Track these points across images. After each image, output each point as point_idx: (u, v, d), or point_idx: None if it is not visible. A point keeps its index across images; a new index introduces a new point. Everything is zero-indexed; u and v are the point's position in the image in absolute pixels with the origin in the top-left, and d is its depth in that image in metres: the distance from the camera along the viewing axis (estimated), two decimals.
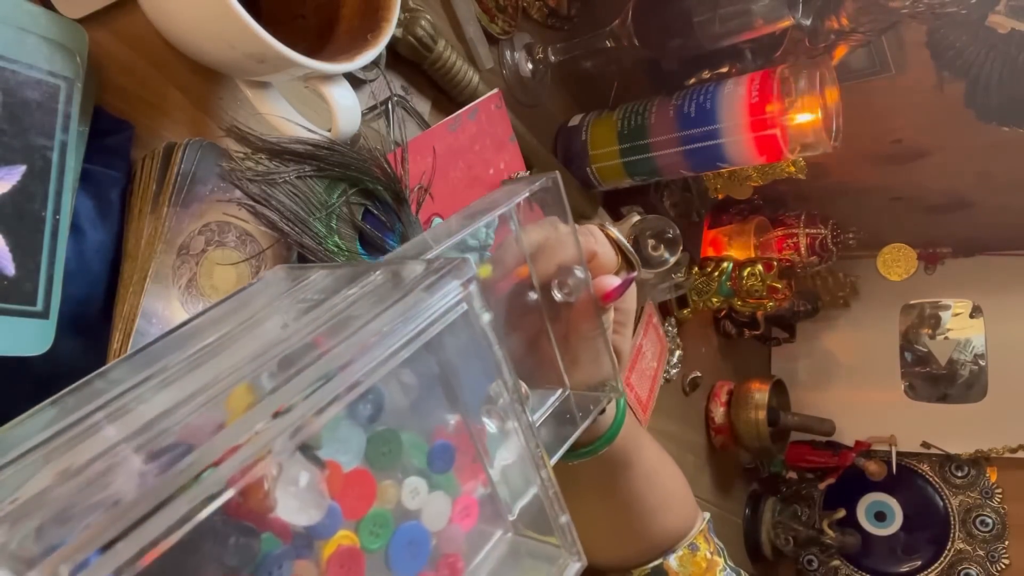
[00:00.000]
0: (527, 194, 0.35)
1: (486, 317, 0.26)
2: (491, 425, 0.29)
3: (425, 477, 0.26)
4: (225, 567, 0.20)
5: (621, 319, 0.43)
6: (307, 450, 0.22)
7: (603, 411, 0.44)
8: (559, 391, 0.39)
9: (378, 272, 0.26)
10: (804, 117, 0.64)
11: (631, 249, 0.48)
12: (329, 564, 0.23)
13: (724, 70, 0.74)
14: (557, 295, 0.37)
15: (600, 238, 0.40)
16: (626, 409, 0.47)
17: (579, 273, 0.37)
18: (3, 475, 0.21)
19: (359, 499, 0.24)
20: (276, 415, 0.20)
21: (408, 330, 0.23)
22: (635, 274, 0.39)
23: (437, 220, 0.49)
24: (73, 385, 0.26)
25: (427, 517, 0.26)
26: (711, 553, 0.53)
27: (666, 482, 0.53)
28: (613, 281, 0.37)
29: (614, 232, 0.42)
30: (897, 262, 1.32)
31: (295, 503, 0.22)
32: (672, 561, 0.51)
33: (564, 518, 0.30)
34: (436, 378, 0.27)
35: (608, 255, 0.40)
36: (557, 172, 0.36)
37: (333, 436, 0.23)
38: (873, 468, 1.24)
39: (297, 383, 0.20)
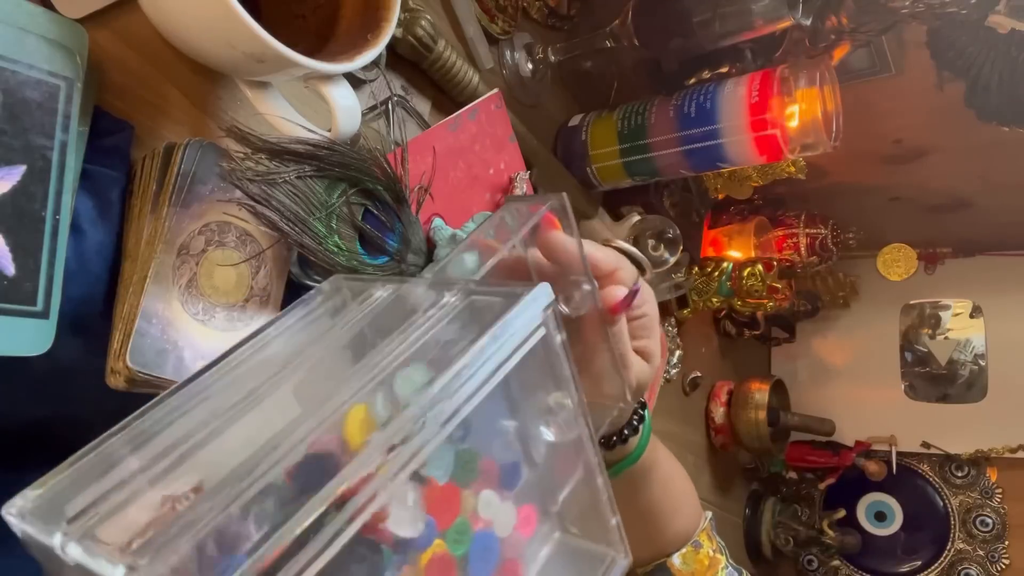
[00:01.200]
0: (536, 220, 0.35)
1: (560, 338, 0.28)
2: (548, 434, 0.31)
3: (496, 490, 0.29)
4: None
5: (644, 323, 0.42)
6: (416, 470, 0.25)
7: (624, 437, 0.44)
8: (554, 540, 0.39)
9: (451, 295, 0.28)
10: (804, 117, 0.64)
11: (640, 255, 0.48)
12: (427, 571, 0.25)
13: (724, 70, 0.74)
14: (564, 309, 0.37)
15: (621, 257, 0.40)
16: (651, 425, 0.47)
17: (585, 286, 0.37)
18: (112, 499, 0.23)
19: (447, 511, 0.27)
20: (402, 443, 0.22)
21: (503, 357, 0.25)
22: (638, 287, 0.38)
23: (437, 220, 0.49)
24: (145, 407, 0.27)
25: (497, 526, 0.29)
26: (713, 551, 0.53)
27: (679, 485, 0.53)
28: (619, 292, 0.37)
29: (622, 244, 0.42)
30: (897, 262, 1.32)
31: (405, 517, 0.24)
32: (675, 559, 0.51)
33: (615, 520, 0.32)
34: (501, 392, 0.29)
35: (629, 270, 0.40)
36: (565, 194, 0.36)
37: (434, 455, 0.26)
38: (873, 468, 1.24)
39: (412, 412, 0.22)
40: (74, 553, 0.21)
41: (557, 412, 0.31)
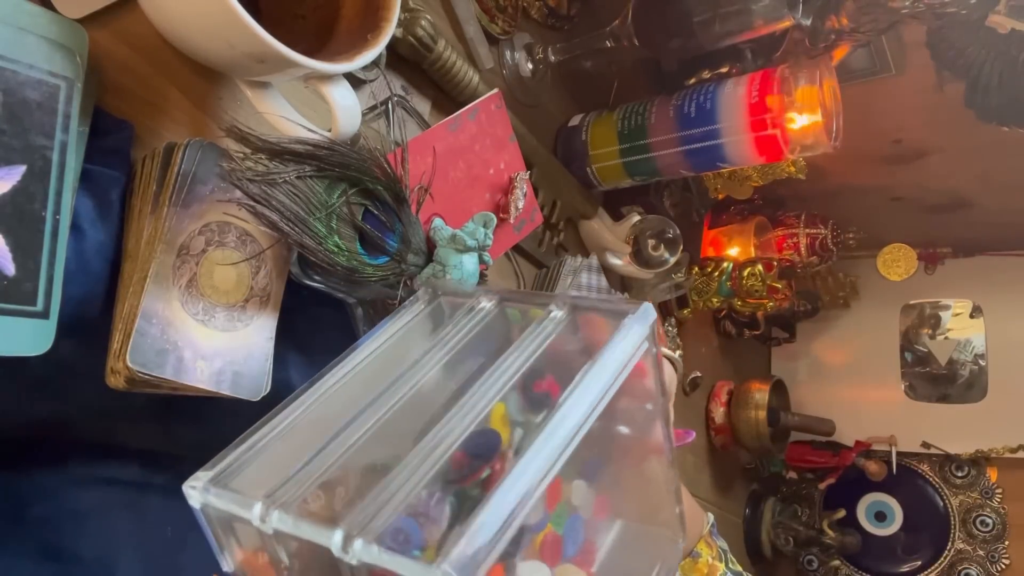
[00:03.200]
0: (647, 345, 0.37)
1: (655, 350, 0.31)
2: (625, 430, 0.36)
3: (585, 479, 0.34)
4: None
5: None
6: None
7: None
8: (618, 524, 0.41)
9: (555, 310, 0.31)
10: (804, 117, 0.64)
11: (677, 359, 0.48)
12: (541, 549, 0.30)
13: (724, 70, 0.74)
14: (623, 430, 0.38)
15: (670, 369, 0.40)
16: None
17: (649, 406, 0.37)
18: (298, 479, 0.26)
19: (553, 497, 0.31)
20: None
21: (620, 374, 0.28)
22: (692, 436, 0.39)
23: (437, 220, 0.49)
24: (287, 400, 0.31)
25: (583, 510, 0.33)
26: (712, 558, 0.53)
27: (688, 513, 0.52)
28: (689, 437, 0.38)
29: (664, 350, 0.43)
30: (897, 262, 1.32)
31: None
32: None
33: (679, 508, 0.37)
34: None
35: (672, 380, 0.40)
36: (652, 305, 0.36)
37: None
38: (873, 468, 1.24)
39: (553, 429, 0.26)
40: (278, 522, 0.24)
41: (638, 414, 0.35)
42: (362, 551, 0.22)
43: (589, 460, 0.34)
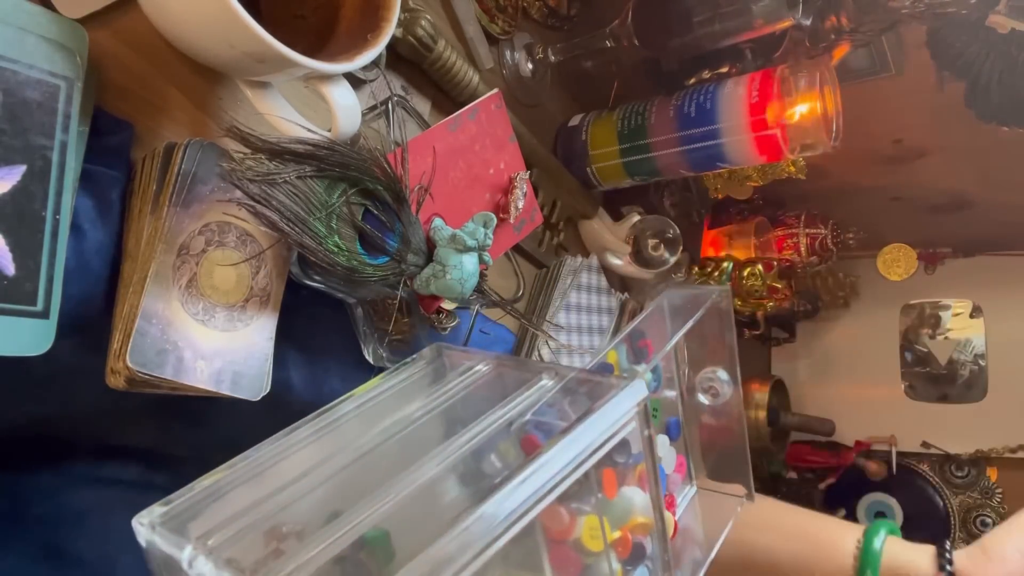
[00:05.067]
0: (703, 314, 0.41)
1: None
2: (704, 398, 0.42)
3: (665, 435, 0.39)
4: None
5: None
6: None
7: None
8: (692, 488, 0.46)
9: (545, 379, 0.32)
10: (804, 117, 0.64)
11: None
12: (639, 478, 0.32)
13: (724, 70, 0.74)
14: (703, 399, 0.43)
15: None
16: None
17: (722, 375, 0.43)
18: (235, 525, 0.26)
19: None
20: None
21: (597, 449, 0.28)
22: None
23: (437, 220, 0.49)
24: (261, 444, 0.31)
25: (665, 463, 0.38)
26: None
27: None
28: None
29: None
30: (897, 262, 1.32)
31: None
32: None
33: (748, 466, 0.42)
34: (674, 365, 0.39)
35: None
36: (729, 290, 0.41)
37: None
38: (873, 468, 1.24)
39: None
40: (202, 568, 0.23)
41: (716, 384, 0.42)
42: None
43: (670, 422, 0.39)
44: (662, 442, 0.38)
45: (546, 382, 0.31)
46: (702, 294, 0.40)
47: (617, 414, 0.28)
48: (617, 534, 0.31)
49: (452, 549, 0.22)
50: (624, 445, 0.30)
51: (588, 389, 0.30)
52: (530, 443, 0.29)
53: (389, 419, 0.31)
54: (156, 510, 0.26)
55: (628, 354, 0.36)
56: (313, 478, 0.27)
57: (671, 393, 0.39)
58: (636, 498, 0.32)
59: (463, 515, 0.23)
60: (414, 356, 0.37)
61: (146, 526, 0.26)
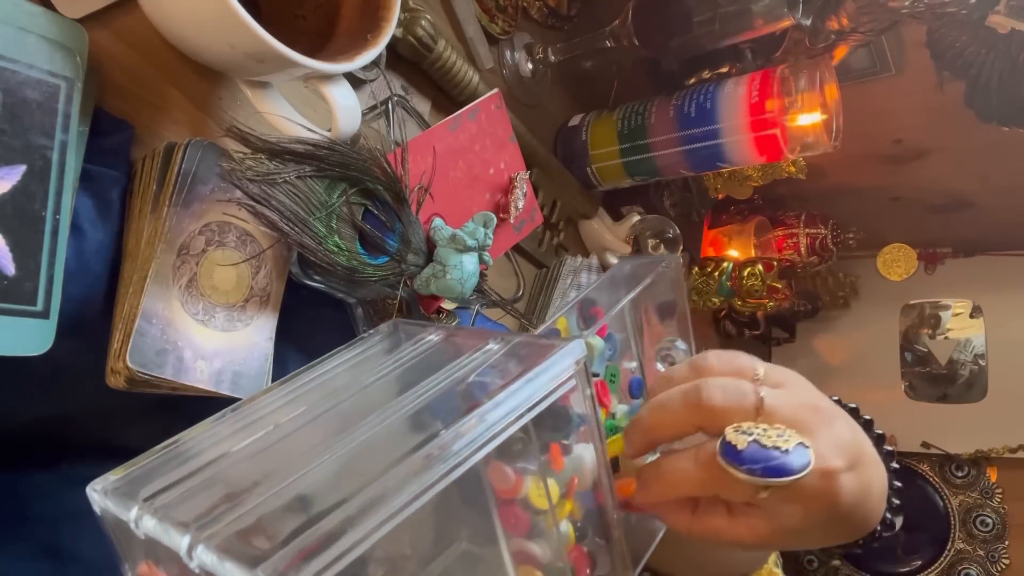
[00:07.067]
0: (651, 280, 0.41)
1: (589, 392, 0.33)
2: (663, 367, 0.43)
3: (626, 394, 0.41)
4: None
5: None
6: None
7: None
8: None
9: (492, 344, 0.33)
10: (804, 117, 0.64)
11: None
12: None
13: (724, 70, 0.74)
14: (660, 367, 0.43)
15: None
16: None
17: (680, 345, 0.43)
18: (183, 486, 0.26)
19: (604, 398, 0.39)
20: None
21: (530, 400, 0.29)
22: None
23: (437, 220, 0.49)
24: (217, 415, 0.31)
25: (620, 420, 0.40)
26: (773, 564, 0.53)
27: None
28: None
29: None
30: (897, 262, 1.32)
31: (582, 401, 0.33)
32: None
33: None
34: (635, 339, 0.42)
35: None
36: (679, 258, 0.43)
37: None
38: None
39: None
40: (147, 526, 0.24)
41: (673, 352, 0.43)
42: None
43: (633, 381, 0.41)
44: (618, 402, 0.40)
45: (492, 346, 0.32)
46: (652, 262, 0.41)
47: (556, 370, 0.29)
48: (563, 490, 0.33)
49: (389, 485, 0.22)
50: (566, 419, 0.32)
51: (530, 351, 0.31)
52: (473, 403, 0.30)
53: (341, 386, 0.32)
54: (110, 477, 0.27)
55: (578, 321, 0.37)
56: (262, 442, 0.28)
57: (632, 364, 0.41)
58: (587, 455, 0.33)
59: (399, 459, 0.23)
60: (370, 331, 0.37)
61: (99, 492, 0.26)
